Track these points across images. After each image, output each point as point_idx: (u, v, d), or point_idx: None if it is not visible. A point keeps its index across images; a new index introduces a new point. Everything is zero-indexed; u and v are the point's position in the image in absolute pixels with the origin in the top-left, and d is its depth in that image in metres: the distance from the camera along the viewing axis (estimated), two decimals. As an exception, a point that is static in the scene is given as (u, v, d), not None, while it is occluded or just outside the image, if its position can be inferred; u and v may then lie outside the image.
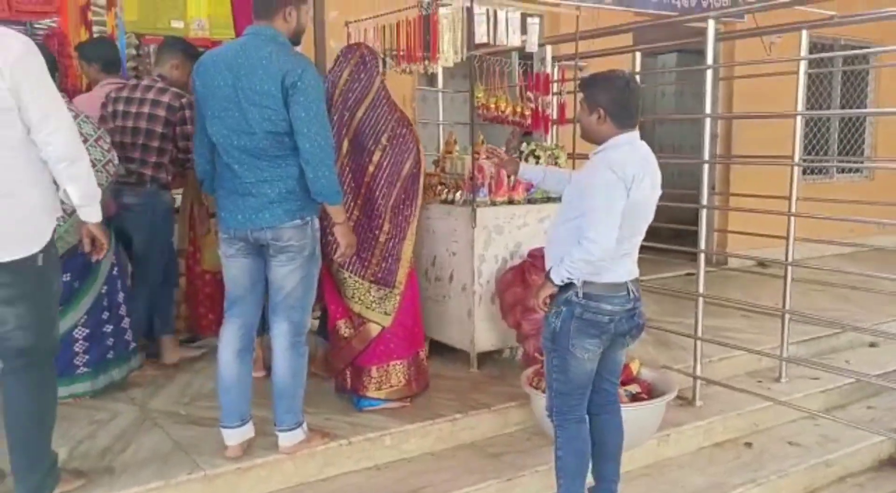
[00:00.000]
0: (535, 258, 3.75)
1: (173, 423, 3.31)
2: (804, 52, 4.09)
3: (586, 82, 2.69)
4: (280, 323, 2.91)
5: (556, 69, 5.05)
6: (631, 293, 2.68)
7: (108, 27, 4.57)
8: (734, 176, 7.07)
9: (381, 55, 4.34)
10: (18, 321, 2.47)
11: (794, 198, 4.10)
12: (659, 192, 2.69)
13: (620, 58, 4.97)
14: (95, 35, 4.50)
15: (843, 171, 8.13)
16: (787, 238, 4.13)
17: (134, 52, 5.14)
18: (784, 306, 4.14)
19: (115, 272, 3.58)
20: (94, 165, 3.06)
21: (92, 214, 2.59)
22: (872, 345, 5.01)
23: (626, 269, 2.67)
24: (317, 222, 2.88)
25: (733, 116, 7.18)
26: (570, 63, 5.03)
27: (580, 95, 2.67)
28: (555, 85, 4.79)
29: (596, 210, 2.52)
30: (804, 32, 4.08)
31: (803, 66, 4.11)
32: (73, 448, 3.01)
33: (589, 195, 2.54)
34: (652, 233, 2.73)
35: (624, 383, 3.33)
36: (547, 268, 2.72)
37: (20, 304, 2.47)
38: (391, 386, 3.45)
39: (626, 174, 2.52)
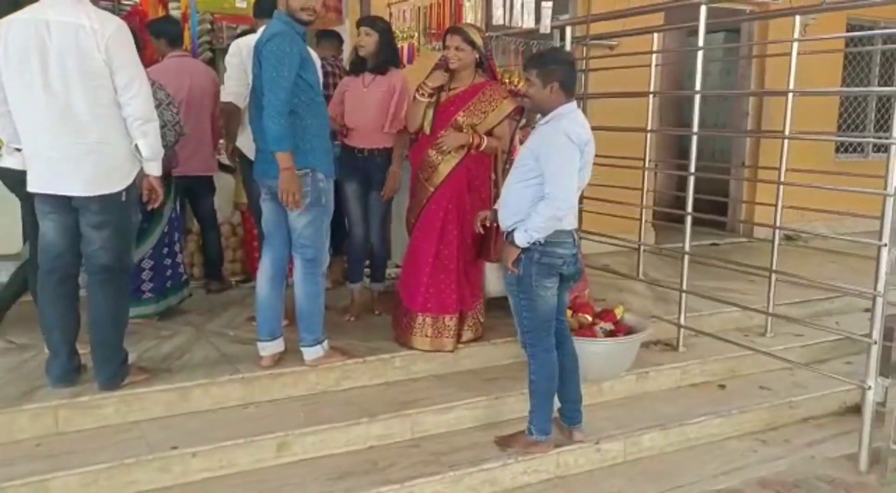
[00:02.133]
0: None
1: (222, 341, 4.01)
2: (797, 34, 4.43)
3: (538, 60, 3.14)
4: (297, 258, 3.54)
5: (585, 50, 5.48)
6: (575, 240, 3.19)
7: (181, 6, 5.27)
8: (763, 151, 7.36)
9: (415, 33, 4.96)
10: (102, 243, 3.16)
11: (783, 169, 4.50)
12: (593, 153, 3.16)
13: (648, 37, 5.36)
14: (171, 14, 5.21)
15: (878, 150, 8.28)
16: (775, 205, 4.54)
17: (209, 27, 5.83)
18: (771, 266, 4.55)
19: (173, 216, 4.31)
20: (164, 126, 3.78)
21: (154, 168, 3.22)
22: (867, 310, 5.30)
23: (571, 219, 3.16)
24: (319, 175, 3.43)
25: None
26: (596, 43, 5.50)
27: (532, 71, 3.08)
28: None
29: (558, 172, 3.01)
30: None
31: (796, 47, 4.43)
32: (140, 354, 3.71)
33: (549, 159, 3.02)
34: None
35: (601, 321, 3.87)
36: (503, 226, 3.23)
37: (105, 229, 3.15)
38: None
39: (580, 139, 3.03)
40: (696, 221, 4.57)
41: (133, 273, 4.10)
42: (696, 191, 4.41)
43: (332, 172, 3.55)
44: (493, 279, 4.50)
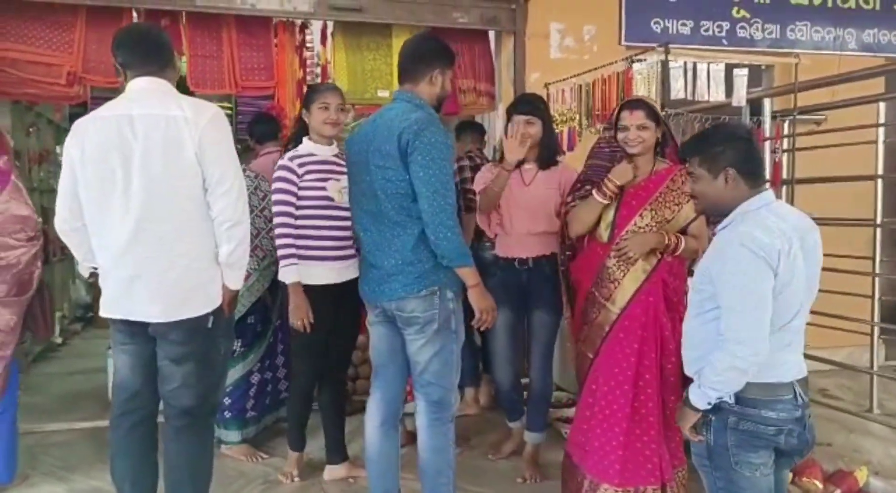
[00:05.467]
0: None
1: (338, 490, 3.28)
2: None
3: (697, 142, 2.23)
4: (419, 400, 2.77)
5: (789, 126, 4.50)
6: (799, 397, 2.12)
7: (320, 99, 4.88)
8: None
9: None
10: (184, 380, 2.57)
11: None
12: (820, 258, 2.17)
13: (865, 109, 4.32)
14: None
15: None
16: None
17: (351, 122, 5.42)
18: None
19: (278, 323, 3.80)
20: (259, 234, 3.43)
21: (232, 279, 2.63)
22: None
23: (788, 364, 2.12)
24: (448, 293, 2.68)
25: None
26: (803, 118, 4.50)
27: (693, 159, 2.19)
28: (769, 143, 4.27)
29: (737, 303, 2.03)
30: None
31: None
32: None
33: (724, 284, 2.06)
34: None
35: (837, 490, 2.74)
36: (688, 372, 2.26)
37: (188, 363, 2.57)
38: None
39: (770, 250, 2.02)
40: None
41: (241, 389, 3.68)
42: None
43: (460, 289, 2.79)
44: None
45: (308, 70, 4.80)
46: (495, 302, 3.40)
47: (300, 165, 3.18)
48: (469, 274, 2.66)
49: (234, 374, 3.58)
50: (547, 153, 3.41)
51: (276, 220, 3.13)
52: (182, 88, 4.67)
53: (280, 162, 3.21)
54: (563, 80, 4.50)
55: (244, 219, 2.57)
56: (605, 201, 2.97)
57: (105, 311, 2.59)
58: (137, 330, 2.57)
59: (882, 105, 4.32)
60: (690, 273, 3.42)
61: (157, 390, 2.63)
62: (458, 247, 2.61)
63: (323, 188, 3.18)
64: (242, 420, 3.66)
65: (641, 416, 2.88)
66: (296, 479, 3.38)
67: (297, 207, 3.17)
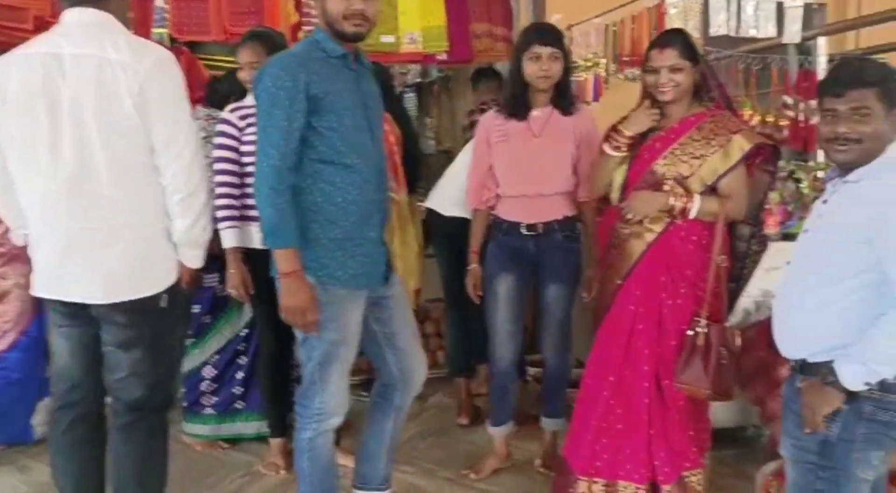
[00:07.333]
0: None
1: None
2: None
3: (876, 71, 1.80)
4: None
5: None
6: None
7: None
8: None
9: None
10: (132, 368, 2.21)
11: None
12: None
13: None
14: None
15: None
16: None
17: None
18: None
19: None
20: None
21: (191, 257, 2.25)
22: None
23: None
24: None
25: None
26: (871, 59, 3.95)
27: (867, 91, 1.77)
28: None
29: None
30: None
31: None
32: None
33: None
34: None
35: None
36: (793, 354, 1.89)
37: (136, 349, 2.20)
38: None
39: None
40: None
41: (193, 380, 3.25)
42: None
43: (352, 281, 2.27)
44: (719, 403, 3.06)
45: (304, 12, 4.34)
46: (495, 270, 2.94)
47: (241, 118, 2.85)
48: (279, 256, 2.13)
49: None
50: (568, 97, 2.89)
51: (217, 179, 2.79)
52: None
53: (220, 115, 2.93)
54: (588, 20, 4.00)
55: (201, 188, 2.18)
56: (617, 154, 2.53)
57: (37, 289, 2.21)
58: (76, 311, 2.19)
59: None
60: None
61: (101, 380, 2.26)
62: (269, 219, 2.11)
63: None
64: (199, 415, 3.27)
65: (625, 398, 2.52)
66: (281, 471, 3.03)
67: (241, 164, 2.84)
